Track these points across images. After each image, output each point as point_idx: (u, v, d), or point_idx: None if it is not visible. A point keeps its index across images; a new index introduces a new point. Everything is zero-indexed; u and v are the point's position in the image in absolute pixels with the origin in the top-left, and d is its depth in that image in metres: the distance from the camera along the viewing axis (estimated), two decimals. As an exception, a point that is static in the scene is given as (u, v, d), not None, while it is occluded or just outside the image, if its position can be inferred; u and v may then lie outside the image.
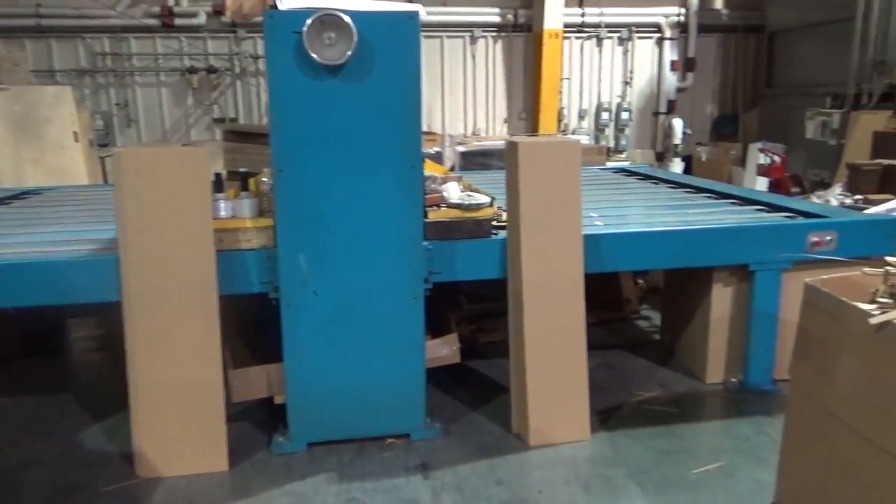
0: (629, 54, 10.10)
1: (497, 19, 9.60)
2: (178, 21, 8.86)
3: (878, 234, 3.45)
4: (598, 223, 3.50)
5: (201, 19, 8.87)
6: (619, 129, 10.14)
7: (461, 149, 8.06)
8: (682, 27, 10.02)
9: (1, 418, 3.42)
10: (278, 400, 3.10)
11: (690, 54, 10.09)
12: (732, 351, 3.59)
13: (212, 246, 2.77)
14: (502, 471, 2.85)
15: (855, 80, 7.72)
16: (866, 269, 2.23)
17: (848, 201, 4.77)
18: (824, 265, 3.03)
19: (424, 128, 9.68)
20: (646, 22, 9.99)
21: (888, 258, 2.18)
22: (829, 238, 3.38)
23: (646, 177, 5.47)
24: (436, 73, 9.66)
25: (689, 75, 10.21)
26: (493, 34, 9.73)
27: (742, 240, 3.37)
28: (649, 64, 10.21)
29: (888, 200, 4.48)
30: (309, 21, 2.59)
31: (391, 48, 2.71)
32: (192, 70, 9.04)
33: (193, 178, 2.72)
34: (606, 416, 3.31)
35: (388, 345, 2.97)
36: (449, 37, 9.63)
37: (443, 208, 3.07)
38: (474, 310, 4.39)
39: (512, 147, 2.98)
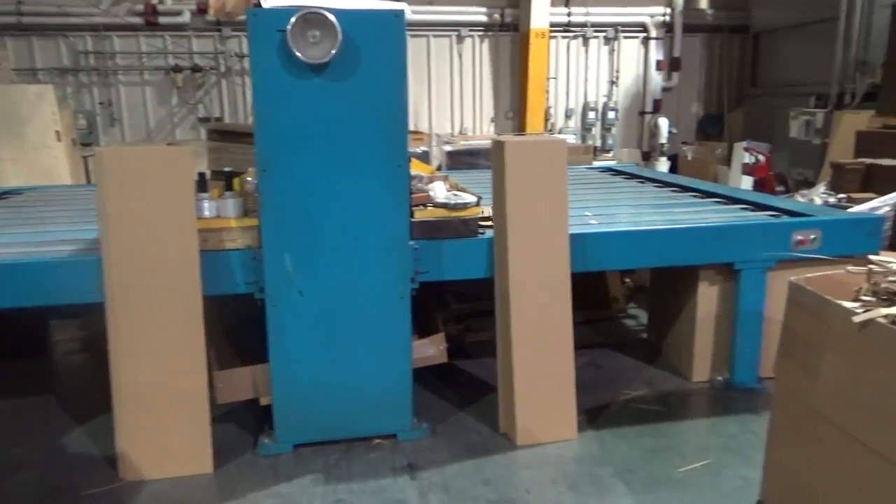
0: (615, 54, 10.15)
1: (484, 18, 9.60)
2: (162, 19, 8.78)
3: (861, 232, 3.48)
4: (592, 222, 3.51)
5: (185, 18, 8.79)
6: (606, 128, 10.18)
7: (448, 148, 8.06)
8: (667, 27, 10.08)
9: (-19, 422, 3.38)
10: (264, 401, 3.08)
11: (676, 54, 10.15)
12: (718, 349, 3.61)
13: (195, 246, 2.74)
14: (489, 471, 2.85)
15: (838, 80, 7.80)
16: (850, 268, 2.24)
17: (832, 200, 4.81)
18: (809, 264, 3.05)
19: (411, 127, 9.73)
20: (631, 22, 10.04)
21: (871, 256, 2.20)
22: (813, 237, 3.40)
23: (632, 176, 5.49)
24: (422, 73, 9.65)
25: (675, 75, 10.28)
26: (480, 33, 9.73)
27: (727, 239, 3.39)
28: (635, 63, 10.26)
29: (871, 199, 4.53)
30: (293, 19, 2.56)
31: (376, 47, 2.69)
32: (177, 69, 8.97)
33: (176, 177, 2.69)
34: (594, 414, 3.31)
35: (375, 345, 2.96)
36: (435, 36, 9.62)
37: (429, 208, 3.06)
38: (462, 309, 4.38)
39: (498, 146, 2.98)
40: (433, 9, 9.42)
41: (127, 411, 2.77)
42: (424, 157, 7.27)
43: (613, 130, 10.20)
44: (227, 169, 3.19)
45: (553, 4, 9.35)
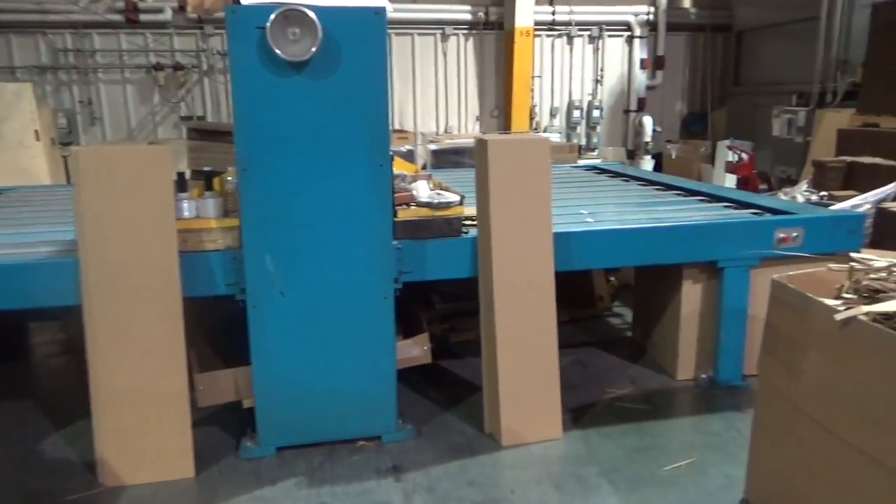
0: (599, 52, 10.16)
1: (468, 17, 9.58)
2: (143, 17, 8.65)
3: (843, 229, 3.50)
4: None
5: (167, 15, 8.68)
6: (591, 126, 10.19)
7: (433, 147, 8.03)
8: (651, 26, 10.11)
9: (-43, 427, 3.31)
10: (247, 403, 3.04)
11: (660, 53, 10.19)
12: (703, 347, 3.62)
13: (175, 247, 2.70)
14: (474, 471, 2.83)
15: (819, 79, 7.86)
16: (832, 265, 2.25)
17: (814, 198, 4.85)
18: (792, 261, 3.06)
19: (396, 126, 9.69)
20: (616, 20, 10.05)
21: (852, 254, 2.20)
22: (795, 234, 3.42)
23: (616, 174, 5.50)
24: (407, 71, 9.61)
25: (659, 73, 10.31)
26: (465, 32, 9.70)
27: (710, 237, 3.39)
28: (619, 62, 10.28)
29: (852, 196, 4.57)
30: (272, 16, 2.53)
31: (357, 44, 2.66)
32: (159, 67, 8.85)
33: (155, 177, 2.65)
34: (579, 414, 3.31)
35: (358, 346, 2.93)
36: (420, 34, 9.58)
37: (412, 207, 3.04)
38: (447, 309, 4.36)
39: (481, 145, 2.96)
40: (417, 7, 9.39)
41: (106, 415, 2.72)
42: (409, 156, 7.24)
43: (598, 129, 10.21)
44: (206, 168, 3.15)
45: (537, 3, 9.34)
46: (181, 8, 8.66)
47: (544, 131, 9.85)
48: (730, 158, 7.96)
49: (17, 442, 3.12)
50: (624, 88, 10.36)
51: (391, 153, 2.89)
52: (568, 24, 9.89)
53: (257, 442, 2.96)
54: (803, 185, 5.36)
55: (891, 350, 1.76)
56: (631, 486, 2.71)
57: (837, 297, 2.06)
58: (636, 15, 10.03)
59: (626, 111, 10.39)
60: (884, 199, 4.42)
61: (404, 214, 3.00)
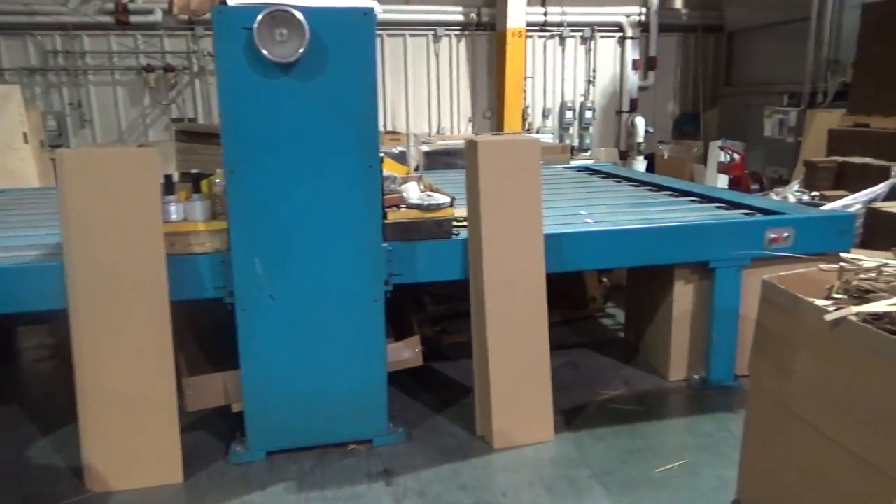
0: (591, 53, 10.18)
1: (460, 18, 9.58)
2: (133, 18, 8.63)
3: (834, 229, 3.50)
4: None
5: (157, 16, 8.65)
6: (584, 127, 10.21)
7: (425, 148, 8.02)
8: (643, 26, 10.13)
9: (-57, 433, 3.27)
10: (236, 408, 3.01)
11: (652, 53, 10.22)
12: (695, 348, 3.61)
13: (162, 250, 2.67)
14: (466, 475, 2.81)
15: (810, 79, 7.90)
16: (822, 266, 2.24)
17: (805, 198, 4.85)
18: (784, 262, 3.06)
19: (389, 127, 9.66)
20: (607, 21, 10.08)
21: (842, 254, 2.20)
22: (786, 235, 3.42)
23: (608, 175, 5.49)
24: (399, 72, 9.60)
25: (651, 74, 10.34)
26: (457, 33, 9.71)
27: (701, 237, 3.39)
28: (612, 63, 10.31)
29: (843, 196, 4.58)
30: (259, 17, 2.51)
31: (345, 45, 2.64)
32: (149, 68, 8.82)
33: (141, 179, 2.62)
34: (571, 415, 3.29)
35: (348, 349, 2.91)
36: (412, 35, 9.58)
37: (402, 209, 3.02)
38: (439, 311, 4.34)
39: (471, 146, 2.94)
40: (409, 8, 9.38)
41: (93, 420, 2.69)
42: (401, 158, 7.22)
43: (591, 130, 10.23)
44: (194, 171, 3.12)
45: (529, 4, 9.35)
46: (170, 9, 8.63)
47: (537, 132, 9.86)
48: (722, 159, 7.98)
49: (4, 447, 3.08)
50: (616, 89, 10.38)
51: (382, 154, 2.88)
52: (560, 24, 9.90)
53: (247, 446, 2.93)
54: (795, 185, 5.37)
55: (880, 350, 1.75)
56: (623, 488, 2.70)
57: (828, 298, 2.05)
58: (628, 16, 10.06)
59: (619, 112, 10.41)
60: (874, 199, 4.43)
61: (394, 216, 2.98)
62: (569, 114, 10.14)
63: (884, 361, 1.75)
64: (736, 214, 3.72)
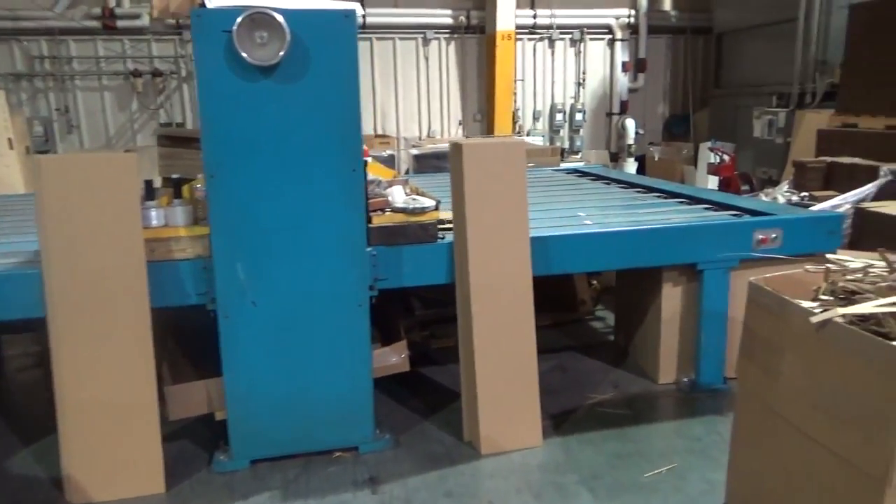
0: (581, 56, 10.18)
1: (449, 21, 9.56)
2: (120, 23, 8.57)
3: (822, 230, 3.49)
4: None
5: (144, 21, 8.59)
6: (574, 129, 10.20)
7: (415, 151, 7.99)
8: (632, 28, 10.14)
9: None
10: (219, 416, 2.97)
11: (641, 55, 10.23)
12: (684, 350, 3.59)
13: (142, 256, 2.63)
14: (452, 482, 2.78)
15: (799, 80, 7.91)
16: (808, 267, 2.22)
17: (794, 198, 4.84)
18: (772, 263, 3.04)
19: (378, 130, 9.61)
20: (597, 23, 10.08)
21: (829, 255, 2.18)
22: (774, 236, 3.40)
23: (598, 177, 5.48)
24: (389, 76, 9.57)
25: (641, 76, 10.35)
26: (446, 36, 9.69)
27: (689, 239, 3.36)
28: (601, 65, 10.31)
29: (832, 197, 4.57)
30: (239, 19, 2.47)
31: (327, 47, 2.61)
32: (137, 73, 8.76)
33: (120, 185, 2.58)
34: (560, 420, 3.26)
35: (333, 355, 2.87)
36: (401, 38, 9.55)
37: (387, 213, 2.98)
38: (427, 315, 4.31)
39: (456, 149, 2.91)
40: (398, 11, 9.36)
41: (72, 430, 2.64)
42: (390, 161, 7.18)
43: (581, 132, 10.22)
44: (175, 176, 3.08)
45: (519, 6, 9.34)
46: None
47: (527, 135, 9.84)
48: (712, 160, 7.99)
49: (-17, 459, 3.03)
50: (606, 91, 10.38)
51: (370, 158, 2.84)
52: (549, 27, 9.90)
53: (230, 455, 2.88)
54: (784, 186, 5.36)
55: (866, 352, 1.73)
56: (611, 493, 2.67)
57: (814, 299, 2.03)
58: (617, 18, 10.06)
59: (609, 114, 10.41)
60: (863, 199, 4.43)
61: (379, 220, 2.95)
62: (559, 116, 10.13)
63: (869, 363, 1.72)
64: (724, 216, 3.70)
